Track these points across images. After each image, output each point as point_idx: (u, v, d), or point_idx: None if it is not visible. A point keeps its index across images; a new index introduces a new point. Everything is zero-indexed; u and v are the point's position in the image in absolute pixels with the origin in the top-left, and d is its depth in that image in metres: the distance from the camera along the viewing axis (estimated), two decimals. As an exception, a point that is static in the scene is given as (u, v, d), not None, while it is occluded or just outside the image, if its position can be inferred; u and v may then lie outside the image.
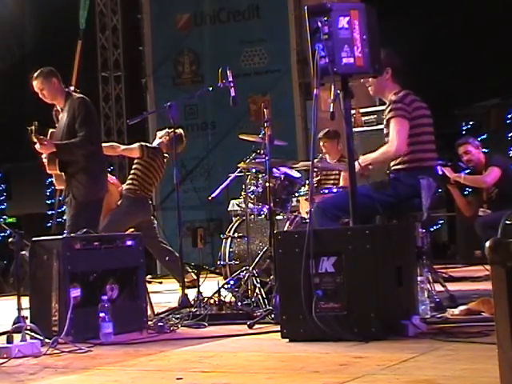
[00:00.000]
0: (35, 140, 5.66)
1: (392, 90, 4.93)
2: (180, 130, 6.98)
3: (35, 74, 5.93)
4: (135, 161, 7.41)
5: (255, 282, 5.47)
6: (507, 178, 7.30)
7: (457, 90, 13.51)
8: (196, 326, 4.86)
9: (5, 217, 15.49)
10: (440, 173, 6.07)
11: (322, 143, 7.84)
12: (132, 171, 7.39)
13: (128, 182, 7.34)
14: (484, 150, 7.76)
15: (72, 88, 6.14)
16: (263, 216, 6.06)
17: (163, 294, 7.88)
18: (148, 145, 7.47)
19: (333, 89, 4.21)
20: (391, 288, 4.01)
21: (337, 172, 7.52)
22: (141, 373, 3.46)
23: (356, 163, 4.48)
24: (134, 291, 5.03)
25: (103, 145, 6.94)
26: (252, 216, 6.16)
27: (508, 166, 7.45)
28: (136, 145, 7.42)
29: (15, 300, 4.52)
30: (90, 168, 5.82)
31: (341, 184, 7.07)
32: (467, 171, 7.45)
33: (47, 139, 5.84)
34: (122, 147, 7.57)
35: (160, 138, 7.52)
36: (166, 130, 7.37)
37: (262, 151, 5.88)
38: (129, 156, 7.84)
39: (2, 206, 16.49)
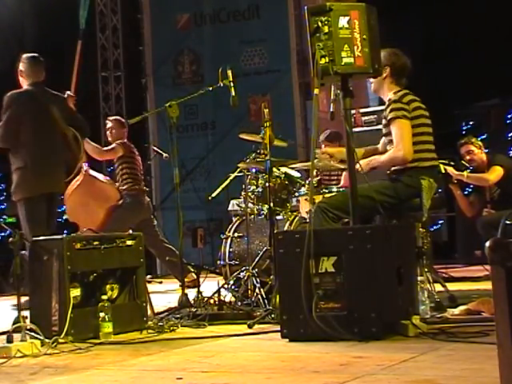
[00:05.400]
0: None
1: (391, 90, 4.92)
2: (118, 117, 7.99)
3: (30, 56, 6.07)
4: (118, 161, 7.56)
5: (255, 282, 5.47)
6: (510, 178, 7.30)
7: (457, 90, 13.52)
8: (196, 326, 4.86)
9: (5, 217, 15.48)
10: (443, 171, 6.07)
11: (323, 146, 7.82)
12: (121, 172, 7.58)
13: (123, 182, 7.51)
14: (484, 150, 7.75)
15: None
16: (263, 216, 6.06)
17: (163, 294, 7.87)
18: (123, 141, 7.69)
19: (333, 89, 4.21)
20: (391, 288, 4.01)
21: (339, 172, 7.50)
22: (141, 373, 3.46)
23: (357, 165, 4.47)
24: (133, 291, 5.03)
25: (88, 145, 7.03)
26: (252, 216, 6.16)
27: (511, 166, 7.44)
28: (115, 144, 7.66)
29: (15, 300, 4.52)
30: (17, 167, 5.88)
31: (341, 184, 7.06)
32: (469, 171, 7.45)
33: None
34: (105, 149, 7.79)
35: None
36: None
37: (261, 151, 5.87)
38: (113, 157, 7.93)
39: (2, 206, 16.47)
